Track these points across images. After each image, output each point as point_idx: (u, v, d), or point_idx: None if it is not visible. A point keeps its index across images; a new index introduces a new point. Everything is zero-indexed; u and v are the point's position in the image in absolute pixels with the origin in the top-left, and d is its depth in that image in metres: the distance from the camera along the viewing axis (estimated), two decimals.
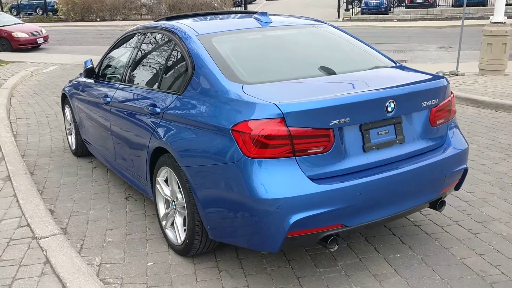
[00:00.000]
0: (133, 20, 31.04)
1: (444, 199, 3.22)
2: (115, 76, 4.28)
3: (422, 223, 3.71)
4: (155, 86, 3.58)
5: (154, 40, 3.92)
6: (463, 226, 3.65)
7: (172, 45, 3.55)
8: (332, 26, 4.00)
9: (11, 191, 4.20)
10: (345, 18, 29.02)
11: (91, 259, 3.30)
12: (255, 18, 3.79)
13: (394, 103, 2.84)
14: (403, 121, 2.98)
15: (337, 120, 2.67)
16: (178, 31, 3.53)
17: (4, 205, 3.93)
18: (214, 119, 2.83)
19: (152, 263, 3.26)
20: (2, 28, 17.78)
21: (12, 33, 17.57)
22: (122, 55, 4.35)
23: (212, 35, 3.42)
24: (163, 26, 3.78)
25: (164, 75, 3.54)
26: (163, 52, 3.70)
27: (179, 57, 3.42)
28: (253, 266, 3.18)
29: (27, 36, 17.86)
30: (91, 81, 4.71)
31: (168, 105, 3.26)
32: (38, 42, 18.23)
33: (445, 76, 3.06)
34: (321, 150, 2.67)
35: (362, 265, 3.16)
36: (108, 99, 4.14)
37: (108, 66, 4.56)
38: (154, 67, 3.74)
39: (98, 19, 32.62)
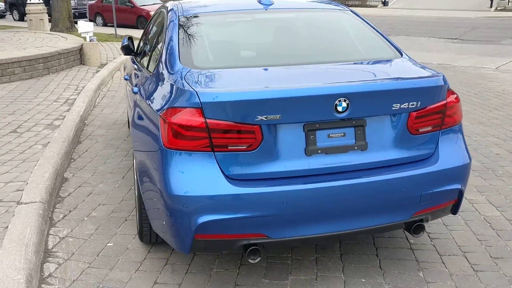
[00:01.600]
0: None
1: (424, 223, 2.66)
2: (139, 53, 4.29)
3: (421, 248, 3.14)
4: (148, 68, 3.51)
5: (159, 20, 3.84)
6: (468, 259, 3.00)
7: (162, 25, 3.44)
8: (352, 11, 3.52)
9: (39, 156, 4.49)
10: (498, 8, 26.09)
11: (59, 231, 3.38)
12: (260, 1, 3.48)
13: (347, 102, 2.39)
14: (367, 125, 2.50)
15: (265, 116, 2.32)
16: (170, 10, 3.40)
17: (23, 168, 4.20)
18: (153, 103, 2.67)
19: (112, 244, 3.23)
20: (142, 7, 19.27)
21: (150, 12, 18.93)
22: (147, 34, 4.35)
23: (194, 16, 3.22)
24: (167, 5, 3.67)
25: (152, 56, 3.44)
26: (158, 33, 3.60)
27: (162, 38, 3.30)
28: (202, 264, 2.97)
29: None
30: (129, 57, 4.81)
31: (140, 86, 3.18)
32: None
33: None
34: (245, 148, 2.36)
35: (313, 284, 2.77)
36: (127, 77, 4.18)
37: (139, 44, 4.61)
38: (152, 48, 3.67)
39: None
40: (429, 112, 2.58)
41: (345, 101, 2.38)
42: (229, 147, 2.35)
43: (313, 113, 2.38)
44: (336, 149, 2.47)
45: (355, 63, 2.87)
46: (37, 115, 5.93)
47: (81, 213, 3.66)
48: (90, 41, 9.87)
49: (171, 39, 2.99)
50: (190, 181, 2.35)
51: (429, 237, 3.27)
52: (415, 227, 2.63)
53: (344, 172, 2.48)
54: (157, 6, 19.74)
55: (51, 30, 15.87)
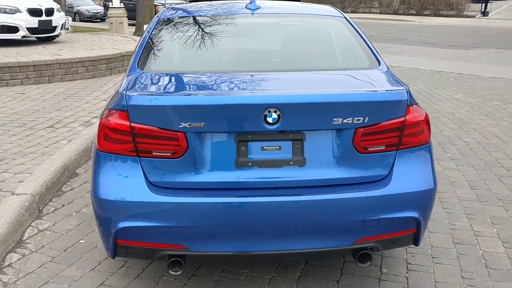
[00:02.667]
0: (361, 13, 30.78)
1: (370, 252, 2.40)
2: None
3: (391, 279, 2.85)
4: None
5: None
6: None
7: None
8: (345, 18, 3.30)
9: (58, 151, 4.71)
10: None
11: (41, 224, 3.50)
12: (247, 6, 3.38)
13: (278, 113, 2.22)
14: (306, 139, 2.31)
15: (188, 123, 2.23)
16: (157, 15, 3.42)
17: (37, 161, 4.43)
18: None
19: (84, 241, 3.29)
20: None
21: None
22: None
23: (174, 20, 3.21)
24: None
25: None
26: None
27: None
28: (156, 271, 2.92)
29: None
30: None
31: None
32: None
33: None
34: (169, 155, 2.28)
35: None
36: None
37: None
38: None
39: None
40: (380, 129, 2.33)
41: (275, 112, 2.22)
42: (153, 153, 2.29)
43: (242, 123, 2.25)
44: (269, 163, 2.31)
45: (316, 73, 2.67)
46: (80, 112, 6.25)
47: (72, 209, 3.78)
48: None
49: (141, 43, 2.99)
50: (113, 185, 2.32)
51: (407, 268, 2.97)
52: (360, 255, 2.39)
53: (276, 188, 2.31)
54: None
55: (134, 33, 16.76)
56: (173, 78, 2.57)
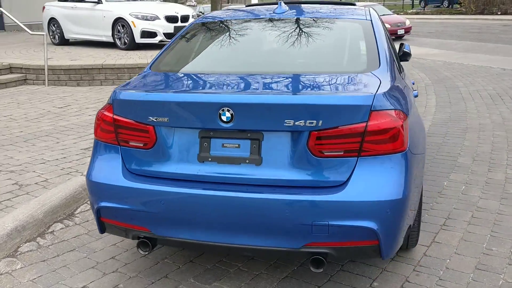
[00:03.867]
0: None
1: (323, 258, 2.35)
2: None
3: None
4: None
5: None
6: None
7: None
8: (370, 21, 3.21)
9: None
10: None
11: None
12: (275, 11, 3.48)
13: (231, 112, 2.32)
14: (264, 139, 2.37)
15: (155, 118, 2.46)
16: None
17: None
18: None
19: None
20: None
21: None
22: None
23: (204, 24, 3.46)
24: None
25: None
26: None
27: None
28: (160, 253, 3.20)
29: (388, 26, 18.84)
30: None
31: None
32: (398, 33, 18.99)
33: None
34: (142, 145, 2.53)
35: None
36: None
37: None
38: None
39: (499, 12, 30.42)
40: (337, 134, 2.28)
41: (228, 111, 2.32)
42: (130, 143, 2.56)
43: (200, 120, 2.39)
44: (228, 159, 2.42)
45: (300, 76, 2.67)
46: None
47: None
48: None
49: (166, 46, 3.30)
50: (99, 169, 2.64)
51: (402, 286, 2.79)
52: (313, 260, 2.36)
53: (231, 184, 2.41)
54: (384, 17, 19.63)
55: None
56: (162, 77, 2.82)
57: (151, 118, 2.46)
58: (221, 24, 3.45)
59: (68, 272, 2.98)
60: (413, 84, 5.44)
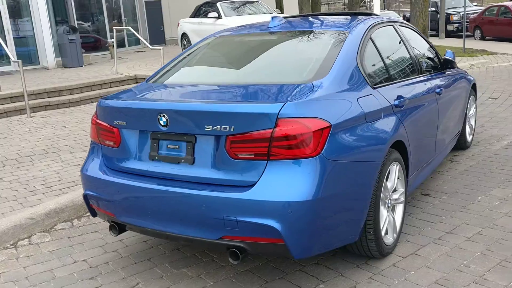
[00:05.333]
0: None
1: (240, 252, 2.57)
2: None
3: None
4: None
5: None
6: None
7: None
8: (349, 31, 3.29)
9: None
10: None
11: None
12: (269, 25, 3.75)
13: (166, 117, 2.70)
14: (197, 142, 2.70)
15: (117, 121, 2.94)
16: None
17: None
18: None
19: None
20: None
21: None
22: None
23: (215, 38, 3.86)
24: None
25: None
26: None
27: None
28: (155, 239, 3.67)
29: None
30: None
31: None
32: None
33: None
34: (112, 144, 3.03)
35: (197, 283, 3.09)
36: None
37: None
38: None
39: None
40: (248, 138, 2.50)
41: (164, 116, 2.70)
42: (106, 142, 3.07)
43: (147, 124, 2.80)
44: (170, 158, 2.79)
45: (246, 85, 2.92)
46: None
47: None
48: None
49: (169, 61, 3.77)
50: (87, 164, 3.20)
51: None
52: (230, 252, 2.61)
53: (170, 180, 2.77)
54: None
55: None
56: (142, 88, 3.29)
57: (115, 121, 2.95)
58: (217, 40, 3.81)
59: (80, 248, 3.61)
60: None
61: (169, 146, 2.80)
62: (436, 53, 4.67)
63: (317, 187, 2.47)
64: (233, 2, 13.06)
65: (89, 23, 17.65)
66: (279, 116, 2.46)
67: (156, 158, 2.84)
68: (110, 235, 3.76)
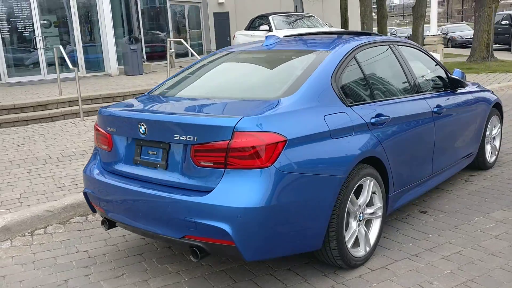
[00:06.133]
0: None
1: (199, 251, 2.82)
2: None
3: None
4: None
5: None
6: None
7: None
8: (330, 51, 3.48)
9: None
10: None
11: None
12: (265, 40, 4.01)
13: (145, 126, 3.02)
14: (171, 149, 2.99)
15: (109, 128, 3.30)
16: None
17: None
18: None
19: None
20: None
21: None
22: None
23: (219, 53, 4.17)
24: None
25: None
26: None
27: None
28: None
29: None
30: None
31: None
32: None
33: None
34: (106, 148, 3.40)
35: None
36: None
37: None
38: None
39: None
40: (208, 148, 2.76)
41: (143, 125, 3.02)
42: (102, 147, 3.45)
43: (131, 131, 3.14)
44: (149, 163, 3.10)
45: (217, 100, 3.19)
46: None
47: None
48: None
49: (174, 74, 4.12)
50: (88, 165, 3.58)
51: None
52: (191, 251, 2.86)
53: (148, 183, 3.08)
54: None
55: (467, 60, 16.41)
56: (141, 99, 3.63)
57: (108, 128, 3.32)
58: (218, 55, 4.10)
59: (87, 240, 4.01)
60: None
61: (149, 152, 3.11)
62: (445, 72, 4.69)
63: (266, 196, 2.68)
64: (286, 15, 13.37)
65: (155, 34, 18.62)
66: (235, 129, 2.70)
67: (139, 162, 3.16)
68: (115, 230, 4.13)
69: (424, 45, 14.61)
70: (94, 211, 3.64)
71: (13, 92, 11.30)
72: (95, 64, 14.89)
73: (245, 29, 14.32)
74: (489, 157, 5.45)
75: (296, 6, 16.16)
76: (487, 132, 5.36)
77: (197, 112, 3.08)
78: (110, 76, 14.13)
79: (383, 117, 3.45)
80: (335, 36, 4.19)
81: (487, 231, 3.83)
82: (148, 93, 3.87)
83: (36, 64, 13.92)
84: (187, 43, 19.77)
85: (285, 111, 2.89)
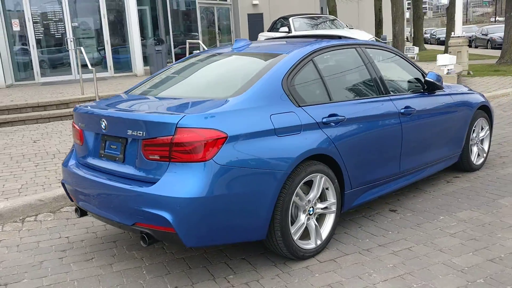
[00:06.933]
0: None
1: (147, 237, 3.09)
2: None
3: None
4: None
5: None
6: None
7: None
8: (287, 54, 3.69)
9: None
10: None
11: None
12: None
13: (105, 122, 3.32)
14: (128, 143, 3.28)
15: (80, 124, 3.62)
16: None
17: None
18: None
19: None
20: None
21: None
22: None
23: (196, 55, 4.45)
24: None
25: None
26: None
27: None
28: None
29: None
30: None
31: None
32: None
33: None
34: (79, 142, 3.72)
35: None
36: None
37: None
38: None
39: None
40: (154, 143, 3.02)
41: (103, 121, 3.32)
42: (76, 141, 3.77)
43: (95, 127, 3.44)
44: (110, 156, 3.39)
45: (174, 99, 3.47)
46: None
47: None
48: (447, 73, 10.27)
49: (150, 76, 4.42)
50: (66, 159, 3.92)
51: (258, 280, 3.25)
52: (141, 236, 3.14)
53: (108, 174, 3.37)
54: None
55: (497, 62, 16.08)
56: (115, 98, 3.93)
57: (79, 124, 3.64)
58: (194, 57, 4.38)
59: (71, 228, 4.36)
60: None
61: (111, 146, 3.41)
62: (422, 75, 4.79)
63: (204, 187, 2.92)
64: (308, 17, 13.52)
65: (185, 35, 19.13)
66: (178, 126, 2.96)
67: (103, 155, 3.47)
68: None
69: (448, 46, 14.44)
70: (71, 200, 3.97)
71: (42, 90, 11.95)
72: (123, 64, 15.48)
73: (267, 31, 14.55)
74: (475, 159, 5.49)
75: (321, 8, 16.25)
76: (473, 135, 5.40)
77: (151, 109, 3.36)
78: (136, 76, 14.67)
79: (338, 117, 3.63)
80: (310, 39, 4.37)
81: (446, 229, 3.93)
82: (125, 92, 4.17)
83: (67, 64, 14.62)
84: (217, 44, 20.16)
85: (229, 110, 3.12)
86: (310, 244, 3.52)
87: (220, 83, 3.67)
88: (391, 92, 4.30)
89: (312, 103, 3.58)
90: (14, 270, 3.57)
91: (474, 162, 5.47)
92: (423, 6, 22.99)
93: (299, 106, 3.48)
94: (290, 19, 13.17)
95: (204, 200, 2.92)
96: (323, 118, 3.54)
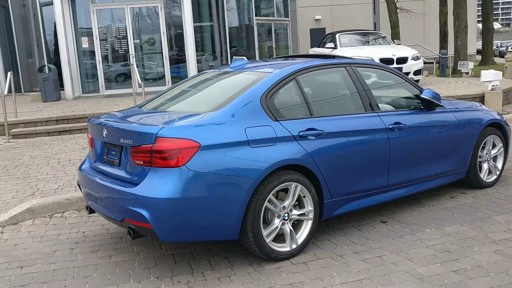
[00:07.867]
0: None
1: (133, 231, 3.55)
2: None
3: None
4: None
5: None
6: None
7: None
8: (270, 73, 4.06)
9: None
10: None
11: None
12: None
13: (106, 132, 3.84)
14: (123, 150, 3.77)
15: (91, 133, 4.18)
16: None
17: None
18: None
19: None
20: None
21: None
22: None
23: (201, 74, 4.93)
24: None
25: None
26: None
27: None
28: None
29: None
30: None
31: None
32: None
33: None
34: (91, 149, 4.29)
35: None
36: None
37: None
38: None
39: None
40: (139, 150, 3.49)
41: (104, 131, 3.85)
42: (90, 148, 4.34)
43: (99, 135, 3.98)
44: (110, 161, 3.92)
45: (162, 112, 3.94)
46: None
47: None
48: (491, 89, 10.10)
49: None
50: (81, 163, 4.51)
51: (232, 269, 3.61)
52: (128, 231, 3.60)
53: (109, 177, 3.89)
54: None
55: None
56: (125, 111, 4.46)
57: (91, 132, 4.21)
58: (199, 75, 4.84)
59: (90, 224, 4.93)
60: None
61: (111, 152, 3.93)
62: (419, 92, 4.95)
63: (176, 190, 3.34)
64: (356, 33, 13.69)
65: (242, 50, 19.83)
66: (157, 135, 3.41)
67: (105, 160, 4.00)
68: None
69: (507, 61, 14.02)
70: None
71: (101, 102, 12.98)
72: (180, 78, 16.37)
73: (317, 46, 14.86)
74: (485, 176, 5.51)
75: (375, 23, 16.35)
76: (484, 152, 5.45)
77: (140, 121, 3.84)
78: None
79: (317, 131, 3.93)
80: (306, 59, 4.69)
81: (425, 241, 4.08)
82: (136, 106, 4.71)
83: (129, 78, 15.71)
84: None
85: (204, 123, 3.53)
86: (285, 247, 3.83)
87: (206, 99, 4.10)
88: (380, 109, 4.52)
89: (290, 118, 3.91)
90: (32, 256, 4.16)
91: (484, 179, 5.49)
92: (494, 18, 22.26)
93: (277, 120, 3.82)
94: (337, 35, 13.42)
95: (177, 200, 3.34)
96: (299, 132, 3.86)
